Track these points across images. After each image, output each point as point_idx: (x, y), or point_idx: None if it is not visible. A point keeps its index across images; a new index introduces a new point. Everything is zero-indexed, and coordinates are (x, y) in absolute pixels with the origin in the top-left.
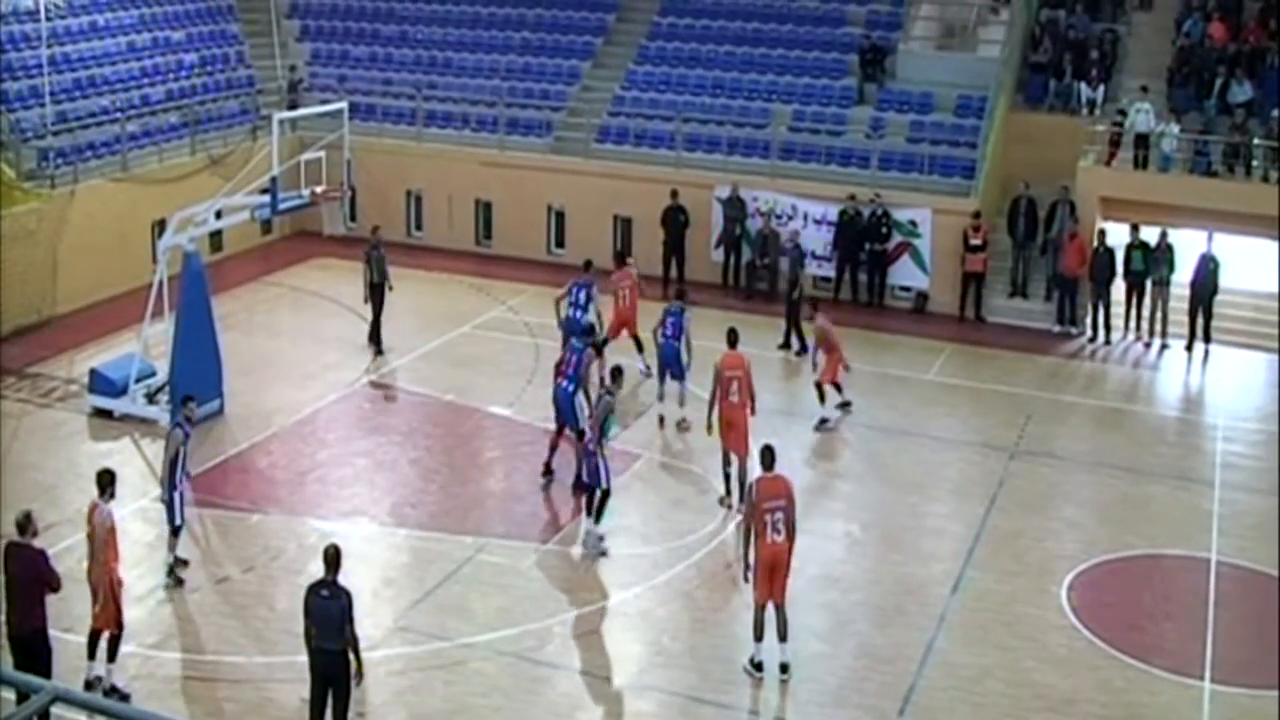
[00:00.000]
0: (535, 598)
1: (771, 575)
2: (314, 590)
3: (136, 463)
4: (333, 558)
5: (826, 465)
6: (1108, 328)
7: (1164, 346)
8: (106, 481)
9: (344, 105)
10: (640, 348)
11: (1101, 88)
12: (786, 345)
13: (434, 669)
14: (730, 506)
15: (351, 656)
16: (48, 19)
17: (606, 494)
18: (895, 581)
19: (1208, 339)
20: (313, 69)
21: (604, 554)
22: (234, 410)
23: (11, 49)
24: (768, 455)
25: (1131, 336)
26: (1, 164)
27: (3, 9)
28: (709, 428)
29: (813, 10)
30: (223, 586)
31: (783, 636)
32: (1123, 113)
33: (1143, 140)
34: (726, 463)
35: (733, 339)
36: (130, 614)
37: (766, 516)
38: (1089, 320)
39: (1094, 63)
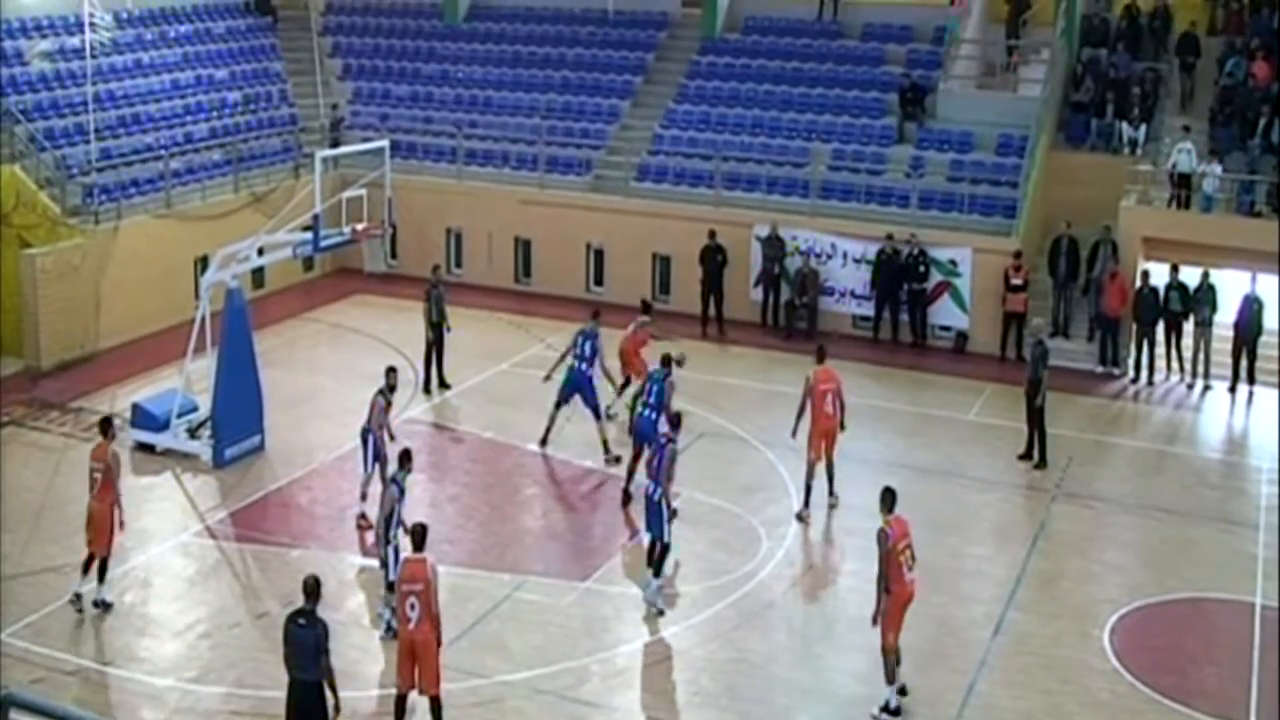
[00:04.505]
0: (573, 636)
1: (903, 614)
2: (292, 619)
3: (177, 498)
4: (312, 587)
5: (866, 505)
6: (1150, 369)
7: (1207, 388)
8: (421, 536)
9: (385, 143)
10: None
11: (1143, 127)
12: (1028, 455)
13: (471, 706)
14: (806, 520)
15: (328, 690)
16: (93, 56)
17: (666, 547)
18: (935, 623)
19: (1251, 380)
20: (354, 107)
21: (661, 611)
22: (275, 446)
23: (57, 86)
24: (889, 497)
25: (1174, 378)
26: (46, 200)
27: (49, 46)
28: (794, 433)
29: (852, 49)
30: (263, 621)
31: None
32: (1134, 141)
33: (1185, 180)
34: (811, 475)
35: (821, 355)
36: (170, 648)
37: (902, 557)
38: (1131, 361)
39: (1136, 102)
